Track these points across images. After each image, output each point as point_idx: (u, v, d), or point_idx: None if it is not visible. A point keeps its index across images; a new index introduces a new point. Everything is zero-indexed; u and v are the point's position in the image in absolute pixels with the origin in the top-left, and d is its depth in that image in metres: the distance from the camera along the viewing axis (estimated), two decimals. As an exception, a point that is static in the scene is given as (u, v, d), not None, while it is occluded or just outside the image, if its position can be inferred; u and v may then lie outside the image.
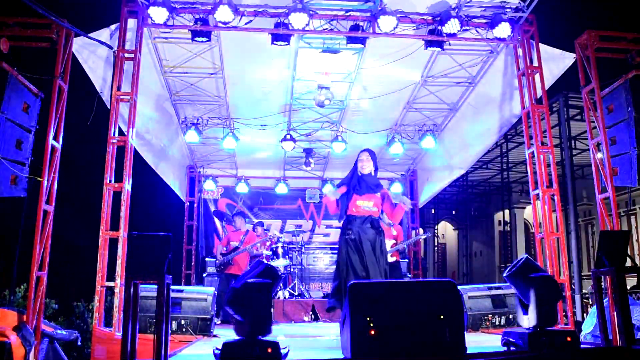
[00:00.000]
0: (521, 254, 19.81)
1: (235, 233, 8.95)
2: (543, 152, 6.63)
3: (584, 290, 11.96)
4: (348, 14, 6.53)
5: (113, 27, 6.33)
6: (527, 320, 4.19)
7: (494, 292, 6.75)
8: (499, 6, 6.53)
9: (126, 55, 6.27)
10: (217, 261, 8.68)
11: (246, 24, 6.42)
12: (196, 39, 6.41)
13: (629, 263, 4.70)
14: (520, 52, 6.90)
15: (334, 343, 5.08)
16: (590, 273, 15.38)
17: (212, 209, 12.22)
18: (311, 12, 6.31)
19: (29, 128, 5.58)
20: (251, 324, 3.65)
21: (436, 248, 27.35)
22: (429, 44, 6.67)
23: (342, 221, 5.39)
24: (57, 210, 5.66)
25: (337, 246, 5.73)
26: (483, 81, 8.26)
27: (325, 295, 10.31)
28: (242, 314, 3.67)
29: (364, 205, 5.34)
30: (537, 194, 6.56)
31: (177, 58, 7.54)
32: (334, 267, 5.55)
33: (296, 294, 9.92)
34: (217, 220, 12.08)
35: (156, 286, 3.96)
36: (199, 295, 6.46)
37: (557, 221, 6.54)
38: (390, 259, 7.80)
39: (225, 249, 8.75)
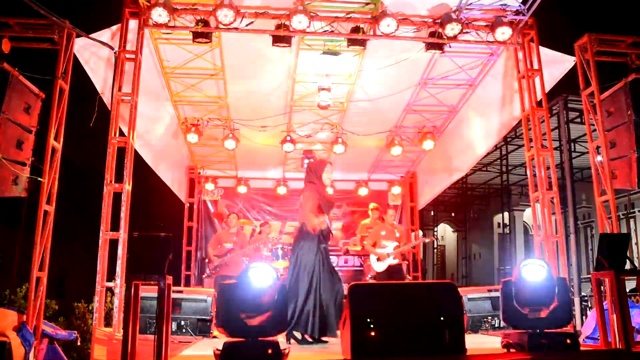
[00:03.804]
0: (520, 257, 19.85)
1: (227, 233, 8.87)
2: (543, 154, 6.64)
3: (583, 293, 11.97)
4: (349, 16, 6.54)
5: (114, 28, 6.33)
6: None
7: (493, 294, 6.76)
8: (499, 9, 6.55)
9: (127, 56, 6.28)
10: (213, 263, 8.52)
11: (247, 25, 6.43)
12: (197, 40, 6.42)
13: (628, 265, 4.71)
14: (520, 55, 6.91)
15: (334, 345, 5.09)
16: (589, 276, 15.40)
17: (212, 210, 12.21)
18: (312, 14, 6.33)
19: (29, 128, 5.58)
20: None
21: (435, 250, 27.37)
22: (429, 46, 6.68)
23: (318, 230, 5.48)
24: (57, 210, 5.67)
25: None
26: (483, 84, 8.28)
27: None
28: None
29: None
30: (537, 197, 6.58)
31: (178, 59, 7.55)
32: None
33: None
34: (216, 222, 12.07)
35: (157, 287, 3.97)
36: (198, 296, 6.49)
37: (557, 224, 6.54)
38: (393, 261, 7.87)
39: (213, 250, 8.65)
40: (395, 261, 7.89)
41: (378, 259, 7.95)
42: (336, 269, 5.81)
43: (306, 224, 5.48)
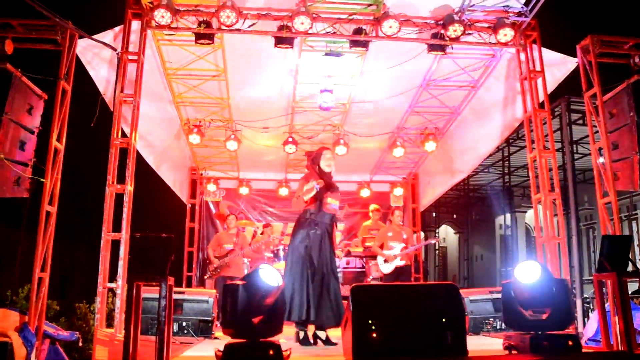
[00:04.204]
0: (522, 258, 19.85)
1: (227, 234, 8.92)
2: (545, 156, 6.63)
3: (585, 295, 11.95)
4: (351, 17, 6.55)
5: (117, 29, 6.34)
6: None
7: (495, 295, 6.75)
8: (501, 11, 6.55)
9: (129, 57, 6.29)
10: (214, 264, 8.61)
11: (249, 27, 6.44)
12: (199, 41, 6.42)
13: (630, 267, 4.70)
14: (522, 56, 6.91)
15: (335, 346, 5.09)
16: (591, 277, 15.38)
17: (214, 211, 12.23)
18: (314, 16, 6.33)
19: (32, 129, 5.59)
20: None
21: (437, 251, 27.34)
22: (431, 48, 6.68)
23: (307, 213, 5.44)
24: (59, 211, 5.67)
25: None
26: (485, 85, 8.27)
27: None
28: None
29: (333, 203, 5.49)
30: (539, 198, 6.57)
31: (181, 60, 7.56)
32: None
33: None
34: (218, 223, 12.08)
35: (158, 288, 3.97)
36: (200, 297, 6.49)
37: (559, 225, 6.54)
38: (400, 263, 7.88)
39: (214, 251, 8.71)
40: (403, 262, 7.90)
41: (385, 261, 7.96)
42: (338, 269, 5.76)
43: (297, 205, 5.47)
